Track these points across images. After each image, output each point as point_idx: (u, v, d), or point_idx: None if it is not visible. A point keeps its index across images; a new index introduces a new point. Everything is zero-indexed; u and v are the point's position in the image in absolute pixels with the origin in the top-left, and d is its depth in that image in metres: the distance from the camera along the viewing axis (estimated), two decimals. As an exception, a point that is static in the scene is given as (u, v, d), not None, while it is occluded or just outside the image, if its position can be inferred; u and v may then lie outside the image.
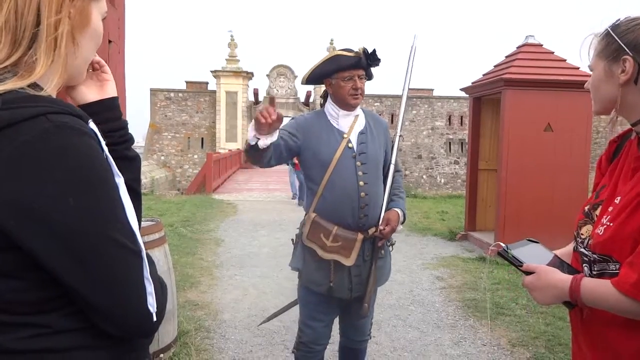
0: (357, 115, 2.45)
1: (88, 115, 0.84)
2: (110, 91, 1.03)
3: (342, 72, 2.33)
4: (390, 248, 2.59)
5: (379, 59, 2.37)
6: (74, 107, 0.80)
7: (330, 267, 2.35)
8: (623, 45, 1.17)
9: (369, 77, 2.45)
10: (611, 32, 1.20)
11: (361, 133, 2.41)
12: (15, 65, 0.78)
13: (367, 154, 2.38)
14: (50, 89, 0.81)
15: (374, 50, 2.35)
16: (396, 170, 2.51)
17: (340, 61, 2.34)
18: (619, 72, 1.19)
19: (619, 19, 1.22)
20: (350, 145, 2.37)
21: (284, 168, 14.43)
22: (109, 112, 1.01)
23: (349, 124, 2.41)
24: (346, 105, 2.39)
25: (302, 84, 2.63)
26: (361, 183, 2.34)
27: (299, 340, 2.55)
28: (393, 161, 2.47)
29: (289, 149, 2.33)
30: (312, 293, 2.45)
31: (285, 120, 2.25)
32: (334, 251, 2.33)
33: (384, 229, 2.34)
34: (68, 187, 0.74)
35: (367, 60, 2.34)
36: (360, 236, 2.33)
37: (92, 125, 0.82)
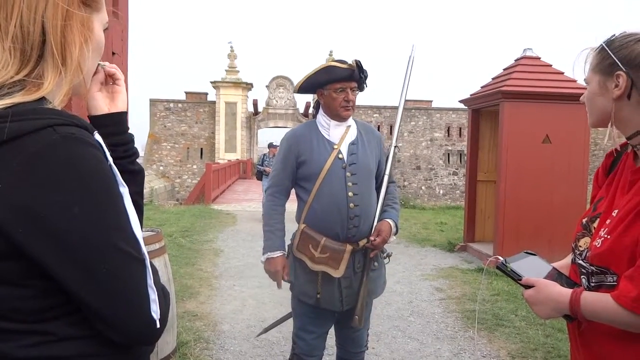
0: (349, 126, 2.44)
1: (95, 127, 0.86)
2: (121, 105, 1.05)
3: (335, 84, 2.35)
4: (387, 260, 2.57)
5: (364, 71, 2.38)
6: (80, 119, 0.82)
7: (318, 278, 2.35)
8: (617, 61, 1.19)
9: (361, 89, 2.46)
10: (606, 47, 1.23)
11: (352, 144, 2.40)
12: (23, 80, 0.80)
13: (357, 165, 2.36)
14: (57, 102, 0.83)
15: (360, 62, 2.38)
16: (391, 182, 2.50)
17: (333, 72, 2.35)
18: (612, 87, 1.21)
19: (614, 35, 1.25)
20: (340, 156, 2.37)
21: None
22: (116, 126, 1.02)
23: (340, 134, 2.41)
24: (337, 116, 2.40)
25: (294, 92, 2.74)
26: (350, 194, 2.32)
27: (293, 352, 2.55)
28: (387, 172, 2.45)
29: (293, 178, 2.44)
30: (303, 304, 2.45)
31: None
32: (322, 262, 2.32)
33: (375, 240, 2.31)
34: (74, 196, 0.76)
35: (359, 73, 2.35)
36: (348, 247, 2.31)
37: (97, 136, 0.84)
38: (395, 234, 2.43)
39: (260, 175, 10.83)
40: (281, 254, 2.43)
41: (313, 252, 2.33)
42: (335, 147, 2.37)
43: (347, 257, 2.30)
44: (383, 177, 2.45)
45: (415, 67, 2.59)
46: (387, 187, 2.45)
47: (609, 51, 1.21)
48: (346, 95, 2.35)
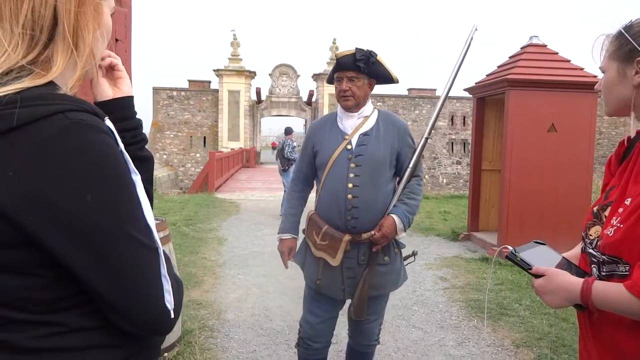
0: (367, 117, 2.43)
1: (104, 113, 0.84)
2: (126, 89, 1.04)
3: (335, 74, 2.42)
4: (412, 258, 2.55)
5: (363, 58, 2.30)
6: (91, 105, 0.80)
7: (320, 264, 2.41)
8: (637, 47, 1.16)
9: (374, 77, 2.41)
10: (625, 33, 1.19)
11: (364, 134, 2.38)
12: (32, 63, 0.78)
13: (364, 156, 2.33)
14: (68, 88, 0.81)
15: (357, 50, 2.33)
16: (415, 175, 2.41)
17: (335, 63, 2.42)
18: (632, 74, 1.18)
19: (631, 20, 1.21)
20: (349, 146, 2.36)
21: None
22: (124, 111, 1.01)
23: (354, 125, 2.41)
24: (341, 106, 2.44)
25: (327, 83, 2.74)
26: (350, 185, 2.31)
27: (299, 335, 2.59)
28: (411, 164, 2.37)
29: (312, 166, 2.52)
30: (310, 288, 2.52)
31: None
32: (322, 249, 2.37)
33: (375, 235, 2.29)
34: (86, 184, 0.74)
35: (354, 62, 2.31)
36: (346, 237, 2.31)
37: (108, 122, 0.82)
38: (404, 230, 2.36)
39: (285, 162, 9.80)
40: (290, 236, 2.58)
41: (315, 238, 2.40)
42: (346, 137, 2.38)
43: (344, 247, 2.31)
44: (405, 170, 2.38)
45: (470, 51, 2.36)
46: (409, 181, 2.39)
47: (629, 37, 1.18)
48: (341, 84, 2.38)
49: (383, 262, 2.40)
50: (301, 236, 2.62)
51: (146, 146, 1.05)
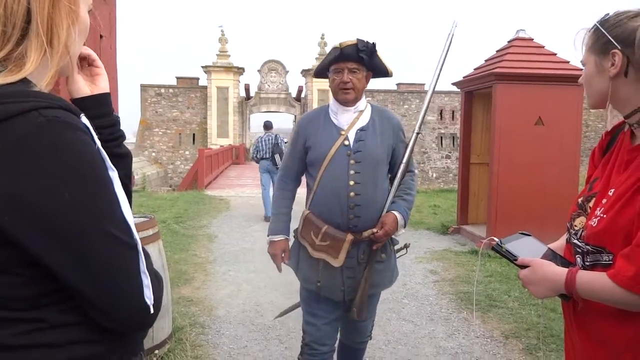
0: (362, 111, 2.34)
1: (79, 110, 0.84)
2: (103, 86, 1.03)
3: (333, 65, 2.29)
4: (404, 251, 2.51)
5: (365, 49, 2.23)
6: (66, 102, 0.80)
7: (319, 265, 2.31)
8: (612, 39, 1.18)
9: (372, 70, 2.34)
10: (599, 26, 1.22)
11: (361, 130, 2.30)
12: (4, 60, 0.77)
13: (363, 152, 2.26)
14: (43, 86, 0.81)
15: (359, 40, 2.24)
16: (409, 171, 2.36)
17: (331, 54, 2.28)
18: (609, 66, 1.20)
19: (607, 14, 1.24)
20: (347, 142, 2.27)
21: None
22: (101, 108, 1.00)
23: (349, 120, 2.32)
24: (339, 100, 2.32)
25: (313, 77, 2.64)
26: (351, 182, 2.23)
27: (303, 342, 2.46)
28: (405, 160, 2.30)
29: (302, 163, 2.40)
30: (310, 290, 2.40)
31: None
32: (322, 250, 2.27)
33: (377, 233, 2.23)
34: (63, 181, 0.74)
35: (357, 52, 2.22)
36: (349, 237, 2.23)
37: (84, 119, 0.81)
38: (404, 226, 2.33)
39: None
40: (283, 237, 2.46)
41: (314, 239, 2.29)
42: (343, 133, 2.29)
43: (347, 247, 2.23)
44: (399, 165, 2.31)
45: (451, 46, 2.29)
46: (403, 176, 2.32)
47: (603, 30, 1.20)
48: (342, 76, 2.27)
49: (380, 259, 2.35)
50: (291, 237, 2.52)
51: (133, 144, 1.04)
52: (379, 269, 2.36)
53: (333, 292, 2.33)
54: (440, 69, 2.29)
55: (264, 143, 9.06)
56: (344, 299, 2.34)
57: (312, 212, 2.34)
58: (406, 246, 2.55)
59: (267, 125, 9.51)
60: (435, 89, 2.39)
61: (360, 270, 2.30)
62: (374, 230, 2.23)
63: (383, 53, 2.32)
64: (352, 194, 2.22)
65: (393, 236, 2.36)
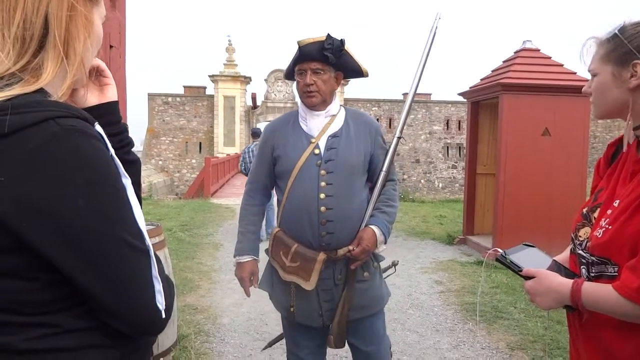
0: (334, 116, 2.11)
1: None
2: (111, 95, 1.05)
3: (297, 66, 2.07)
4: (392, 269, 2.33)
5: (331, 47, 1.98)
6: (80, 110, 0.82)
7: (291, 289, 2.09)
8: (634, 50, 1.16)
9: (341, 69, 2.10)
10: (620, 35, 1.19)
11: (333, 136, 2.07)
12: (21, 71, 0.79)
13: (335, 161, 2.02)
14: (58, 96, 0.82)
15: (327, 37, 2.00)
16: (389, 180, 2.13)
17: (295, 55, 2.04)
18: (628, 77, 1.18)
19: (623, 23, 1.21)
20: (317, 151, 2.04)
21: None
22: (109, 116, 1.01)
23: (320, 125, 2.09)
24: (305, 104, 2.10)
25: (284, 78, 2.38)
26: (322, 195, 2.00)
27: None
28: (384, 168, 2.09)
29: (271, 174, 2.19)
30: (286, 318, 2.21)
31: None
32: (293, 272, 2.04)
33: (354, 250, 2.00)
34: (78, 189, 0.75)
35: (321, 51, 1.97)
36: (321, 256, 1.99)
37: (98, 127, 0.83)
38: (385, 242, 2.10)
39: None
40: (250, 258, 2.22)
41: (284, 260, 2.07)
42: (313, 140, 2.06)
43: (319, 267, 1.99)
44: (379, 174, 2.09)
45: (435, 42, 2.11)
46: (384, 186, 2.11)
47: (624, 39, 1.18)
48: (305, 78, 2.03)
49: (363, 278, 2.10)
50: (264, 257, 2.26)
51: (140, 152, 1.06)
52: (364, 288, 2.10)
53: (310, 318, 2.10)
54: (424, 66, 2.12)
55: (251, 153, 7.93)
56: (324, 325, 2.12)
57: (282, 229, 2.12)
58: (394, 264, 2.36)
59: (256, 133, 8.46)
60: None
61: (338, 292, 2.07)
62: (350, 247, 2.01)
63: (355, 50, 2.08)
64: (322, 208, 2.00)
65: (375, 252, 2.13)
